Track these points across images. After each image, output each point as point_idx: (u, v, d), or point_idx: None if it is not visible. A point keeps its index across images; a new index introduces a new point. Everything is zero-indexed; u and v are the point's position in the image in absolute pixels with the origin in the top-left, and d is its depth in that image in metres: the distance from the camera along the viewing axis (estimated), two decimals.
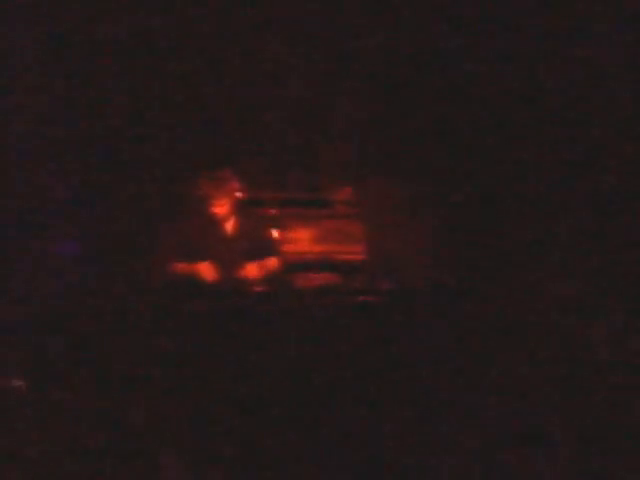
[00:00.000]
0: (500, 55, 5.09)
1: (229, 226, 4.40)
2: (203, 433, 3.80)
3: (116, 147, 5.12)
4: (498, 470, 3.72)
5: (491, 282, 4.72)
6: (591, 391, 4.02)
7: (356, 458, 3.79)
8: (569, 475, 3.67)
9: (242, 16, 5.15)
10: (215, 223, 4.36)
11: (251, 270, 4.29)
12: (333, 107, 5.49)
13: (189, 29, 5.13)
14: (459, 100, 5.23)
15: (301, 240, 4.93)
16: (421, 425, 3.89)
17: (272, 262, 4.36)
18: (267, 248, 4.45)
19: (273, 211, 4.75)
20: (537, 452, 3.78)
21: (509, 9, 4.95)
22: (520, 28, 4.98)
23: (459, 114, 5.23)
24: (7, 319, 4.21)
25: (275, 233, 4.68)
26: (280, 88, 5.36)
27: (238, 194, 4.41)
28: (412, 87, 5.31)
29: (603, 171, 4.88)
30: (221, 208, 4.31)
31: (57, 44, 4.96)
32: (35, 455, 3.66)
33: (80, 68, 5.03)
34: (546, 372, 4.20)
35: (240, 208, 4.45)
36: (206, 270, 4.21)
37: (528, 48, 4.98)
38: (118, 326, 4.03)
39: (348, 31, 5.29)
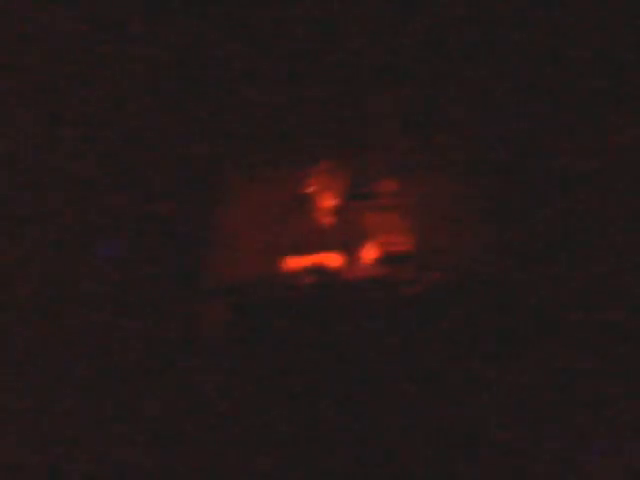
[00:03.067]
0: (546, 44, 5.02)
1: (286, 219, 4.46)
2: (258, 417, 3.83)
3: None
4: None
5: (539, 274, 4.66)
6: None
7: (402, 441, 3.79)
8: None
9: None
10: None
11: (301, 262, 4.33)
12: (380, 101, 5.47)
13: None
14: (506, 92, 5.17)
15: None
16: (464, 415, 3.88)
17: (327, 255, 4.40)
18: (319, 240, 4.51)
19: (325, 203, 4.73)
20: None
21: None
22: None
23: (506, 105, 5.18)
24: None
25: (325, 225, 4.70)
26: (324, 82, 5.34)
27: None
28: (458, 81, 5.27)
29: None
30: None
31: None
32: None
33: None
34: (593, 366, 4.15)
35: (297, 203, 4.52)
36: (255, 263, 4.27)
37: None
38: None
39: (391, 26, 5.26)
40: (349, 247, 4.57)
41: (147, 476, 3.51)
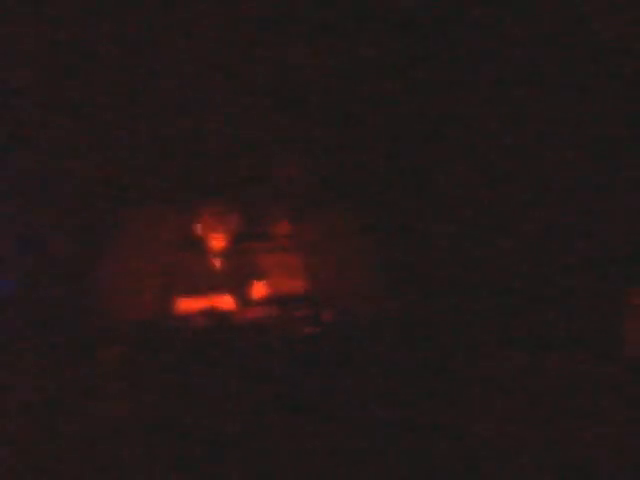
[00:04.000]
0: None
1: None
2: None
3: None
4: None
5: (434, 311, 4.72)
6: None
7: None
8: None
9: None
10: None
11: (194, 304, 4.28)
12: (273, 142, 5.49)
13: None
14: (398, 132, 5.27)
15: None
16: (362, 456, 3.85)
17: (220, 296, 4.35)
18: (211, 282, 4.44)
19: (216, 245, 4.67)
20: None
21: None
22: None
23: (397, 145, 5.27)
24: None
25: (217, 266, 4.65)
26: (219, 121, 5.33)
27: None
28: (353, 120, 5.34)
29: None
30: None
31: None
32: None
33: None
34: (495, 400, 4.19)
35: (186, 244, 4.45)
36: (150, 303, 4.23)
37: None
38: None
39: (291, 61, 5.32)
40: (242, 288, 4.54)
41: None
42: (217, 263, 4.66)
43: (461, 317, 4.70)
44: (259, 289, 4.59)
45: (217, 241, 4.60)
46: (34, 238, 4.80)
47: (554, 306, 4.73)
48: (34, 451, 3.77)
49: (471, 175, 4.96)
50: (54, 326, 4.51)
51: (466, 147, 5.01)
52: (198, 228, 4.60)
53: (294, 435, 3.83)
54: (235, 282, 4.57)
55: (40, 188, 4.83)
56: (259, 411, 3.87)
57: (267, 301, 4.48)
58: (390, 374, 4.02)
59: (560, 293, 4.75)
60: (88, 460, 3.77)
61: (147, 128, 5.11)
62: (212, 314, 4.22)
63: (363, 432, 3.89)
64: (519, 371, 4.32)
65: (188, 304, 4.35)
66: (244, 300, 4.49)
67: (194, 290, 4.41)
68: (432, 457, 3.87)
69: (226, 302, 4.35)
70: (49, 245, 4.79)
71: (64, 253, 4.77)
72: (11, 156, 4.80)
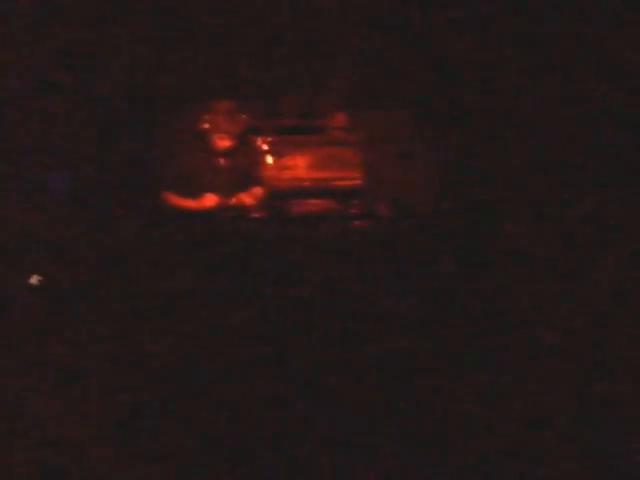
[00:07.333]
0: None
1: (227, 155, 4.40)
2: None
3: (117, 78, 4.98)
4: None
5: (492, 205, 4.66)
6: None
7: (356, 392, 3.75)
8: None
9: None
10: (214, 153, 4.35)
11: (247, 198, 4.30)
12: (330, 32, 5.38)
13: None
14: (458, 28, 5.12)
15: (297, 167, 4.87)
16: (420, 356, 3.85)
17: (267, 190, 4.35)
18: (263, 175, 4.45)
19: (268, 138, 4.64)
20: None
21: None
22: None
23: (458, 41, 5.13)
24: None
25: (271, 160, 4.63)
26: (275, 14, 5.24)
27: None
28: (412, 14, 5.20)
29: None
30: (223, 141, 4.34)
31: None
32: None
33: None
34: (549, 300, 4.14)
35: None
36: (206, 200, 4.25)
37: None
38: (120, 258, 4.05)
39: None
40: (297, 181, 4.54)
41: None
42: (277, 154, 4.63)
43: (518, 211, 4.63)
44: (314, 182, 4.57)
45: (270, 134, 4.59)
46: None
47: None
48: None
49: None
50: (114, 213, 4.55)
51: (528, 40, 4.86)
52: (247, 121, 4.58)
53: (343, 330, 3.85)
54: (289, 175, 4.57)
55: None
56: (309, 303, 3.90)
57: (322, 194, 4.48)
58: (445, 270, 4.02)
59: None
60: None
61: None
62: (268, 206, 4.25)
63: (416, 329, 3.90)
64: None
65: (244, 197, 4.38)
66: (298, 193, 4.49)
67: (249, 183, 4.43)
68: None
69: (281, 194, 4.37)
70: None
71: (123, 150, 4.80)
72: None
